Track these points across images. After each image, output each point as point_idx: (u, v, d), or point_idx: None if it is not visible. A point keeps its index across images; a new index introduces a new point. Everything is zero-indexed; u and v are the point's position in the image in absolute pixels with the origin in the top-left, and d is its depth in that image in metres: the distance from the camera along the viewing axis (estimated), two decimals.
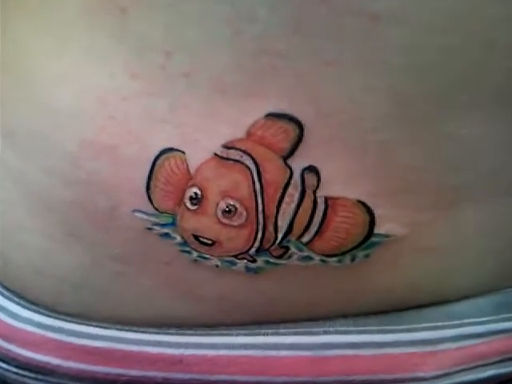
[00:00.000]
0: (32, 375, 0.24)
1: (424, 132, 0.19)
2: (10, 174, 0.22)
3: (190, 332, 0.23)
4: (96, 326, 0.23)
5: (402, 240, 0.21)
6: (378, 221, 0.20)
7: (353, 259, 0.21)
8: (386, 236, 0.20)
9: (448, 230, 0.22)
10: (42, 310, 0.24)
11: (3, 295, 0.25)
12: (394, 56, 0.18)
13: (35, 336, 0.23)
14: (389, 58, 0.18)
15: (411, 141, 0.19)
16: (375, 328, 0.23)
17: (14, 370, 0.24)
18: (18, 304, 0.24)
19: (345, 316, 0.23)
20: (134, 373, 0.23)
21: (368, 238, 0.20)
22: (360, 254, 0.21)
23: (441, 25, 0.17)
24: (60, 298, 0.24)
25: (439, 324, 0.23)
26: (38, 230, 0.22)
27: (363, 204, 0.20)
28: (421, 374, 0.23)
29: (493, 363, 0.23)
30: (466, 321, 0.24)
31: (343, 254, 0.21)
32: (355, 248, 0.20)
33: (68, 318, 0.23)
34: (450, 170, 0.20)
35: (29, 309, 0.24)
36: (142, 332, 0.23)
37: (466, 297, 0.24)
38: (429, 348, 0.23)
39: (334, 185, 0.20)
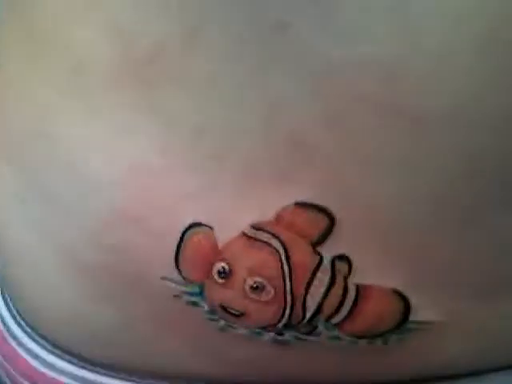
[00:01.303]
0: None
1: (470, 229, 0.18)
2: (44, 233, 0.22)
3: None
4: (128, 380, 0.24)
5: (440, 325, 0.20)
6: (413, 309, 0.19)
7: (385, 342, 0.20)
8: (422, 323, 0.19)
9: (489, 315, 0.20)
10: (74, 360, 0.24)
11: (38, 343, 0.25)
12: (439, 158, 0.16)
13: None
14: (433, 159, 0.16)
15: (455, 238, 0.18)
16: None
17: None
18: (52, 353, 0.25)
19: None
20: None
21: (402, 324, 0.19)
22: (393, 337, 0.20)
23: (494, 124, 0.15)
24: (91, 350, 0.24)
25: None
26: (69, 289, 0.23)
27: (398, 293, 0.19)
28: None
29: None
30: None
31: (375, 337, 0.20)
32: (388, 332, 0.19)
33: (101, 371, 0.24)
34: (491, 263, 0.19)
35: (63, 359, 0.25)
36: None
37: (504, 368, 0.23)
38: None
39: (367, 273, 0.19)
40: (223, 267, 0.20)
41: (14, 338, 0.26)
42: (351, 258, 0.18)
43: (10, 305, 0.27)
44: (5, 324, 0.26)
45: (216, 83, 0.17)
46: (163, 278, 0.20)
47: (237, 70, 0.17)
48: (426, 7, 0.15)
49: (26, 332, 0.26)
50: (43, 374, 0.24)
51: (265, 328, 0.20)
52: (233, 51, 0.17)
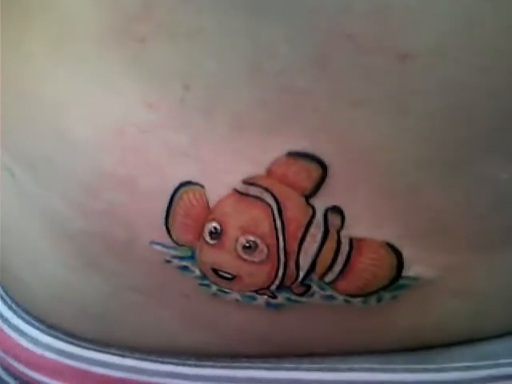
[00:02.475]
0: None
1: (459, 176, 0.18)
2: (31, 203, 0.22)
3: (210, 364, 0.23)
4: (114, 354, 0.23)
5: (433, 283, 0.20)
6: (406, 263, 0.19)
7: (379, 300, 0.20)
8: (415, 278, 0.19)
9: (483, 273, 0.20)
10: (61, 336, 0.24)
11: (24, 320, 0.25)
12: (428, 97, 0.16)
13: (55, 363, 0.23)
14: (422, 99, 0.16)
15: (445, 184, 0.18)
16: (402, 367, 0.22)
17: None
18: (38, 329, 0.24)
19: (371, 352, 0.22)
20: None
21: (395, 280, 0.19)
22: (387, 295, 0.20)
23: (483, 63, 0.16)
24: (79, 324, 0.23)
25: (471, 364, 0.22)
26: (59, 260, 0.22)
27: (391, 246, 0.19)
28: None
29: None
30: (501, 361, 0.22)
31: (368, 295, 0.20)
32: (381, 289, 0.19)
33: (87, 345, 0.23)
34: (484, 214, 0.19)
35: (49, 334, 0.24)
36: (161, 362, 0.23)
37: (501, 335, 0.23)
38: None
39: (360, 225, 0.19)
40: (215, 227, 0.19)
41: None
42: (344, 209, 0.18)
43: None
44: None
45: (205, 34, 0.17)
46: (153, 243, 0.20)
47: (227, 19, 0.17)
48: None
49: (11, 308, 0.25)
50: (27, 350, 0.24)
51: (258, 291, 0.20)
52: (222, 1, 0.17)
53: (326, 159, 0.18)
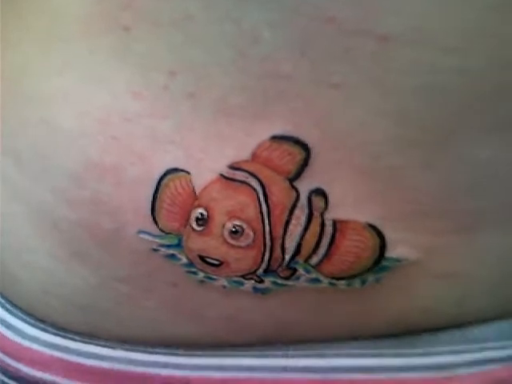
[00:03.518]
0: None
1: (437, 156, 0.18)
2: (17, 194, 0.22)
3: (199, 353, 0.23)
4: (103, 346, 0.23)
5: (416, 265, 0.20)
6: (389, 244, 0.19)
7: (363, 283, 0.20)
8: (398, 260, 0.20)
9: (465, 255, 0.21)
10: (48, 328, 0.24)
11: (10, 312, 0.25)
12: (405, 78, 0.17)
13: (42, 355, 0.23)
14: (399, 80, 0.17)
15: (424, 165, 0.18)
16: (388, 351, 0.22)
17: None
18: (25, 321, 0.24)
19: (356, 338, 0.23)
20: None
21: (379, 262, 0.20)
22: (370, 277, 0.20)
23: (456, 45, 0.16)
24: (67, 316, 0.24)
25: (457, 348, 0.23)
26: (44, 250, 0.22)
27: (373, 227, 0.19)
28: None
29: None
30: (486, 345, 0.23)
31: (353, 277, 0.20)
32: (365, 272, 0.20)
33: (75, 337, 0.23)
34: (466, 194, 0.19)
35: (35, 326, 0.24)
36: (150, 353, 0.23)
37: (486, 320, 0.23)
38: (445, 373, 0.22)
39: (343, 208, 0.19)
40: (201, 213, 0.20)
41: None
42: (327, 191, 0.19)
43: None
44: None
45: (191, 21, 0.18)
46: (139, 232, 0.20)
47: (211, 8, 0.17)
48: None
49: None
50: (14, 342, 0.24)
51: (245, 276, 0.20)
52: None
53: (309, 142, 0.18)
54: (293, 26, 0.17)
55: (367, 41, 0.16)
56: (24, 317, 0.24)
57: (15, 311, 0.25)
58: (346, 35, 0.16)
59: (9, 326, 0.24)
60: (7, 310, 0.25)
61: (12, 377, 0.24)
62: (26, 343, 0.24)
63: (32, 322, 0.24)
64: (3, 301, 0.25)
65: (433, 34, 0.16)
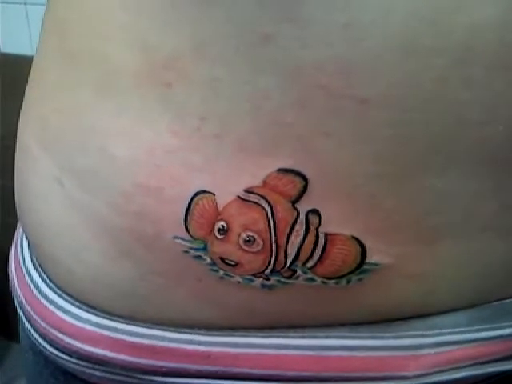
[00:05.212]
0: (90, 365, 0.30)
1: (405, 185, 0.23)
2: (78, 207, 0.27)
3: (217, 333, 0.28)
4: (142, 326, 0.28)
5: (390, 268, 0.25)
6: (368, 252, 0.25)
7: (348, 282, 0.25)
8: (376, 264, 0.25)
9: (429, 260, 0.26)
10: (98, 312, 0.29)
11: (67, 300, 0.30)
12: (380, 129, 0.22)
13: (94, 334, 0.29)
14: (376, 131, 0.22)
15: (394, 192, 0.23)
16: (367, 334, 0.28)
17: (76, 361, 0.30)
18: (79, 308, 0.30)
19: (343, 324, 0.28)
20: (172, 365, 0.28)
21: (360, 265, 0.25)
22: (354, 278, 0.25)
23: (419, 106, 0.22)
24: (113, 302, 0.29)
25: (422, 333, 0.28)
26: (97, 250, 0.27)
27: (356, 239, 0.24)
28: (404, 374, 0.28)
29: (465, 366, 0.28)
30: (444, 330, 0.28)
31: (340, 277, 0.25)
32: (350, 273, 0.25)
33: (120, 320, 0.29)
34: (427, 214, 0.24)
35: (87, 311, 0.29)
36: (179, 332, 0.28)
37: (446, 311, 0.28)
38: (412, 352, 0.28)
39: (333, 223, 0.24)
40: (222, 225, 0.25)
41: (45, 297, 0.30)
42: (321, 211, 0.24)
43: (41, 271, 0.32)
44: (36, 286, 0.31)
45: (218, 82, 0.23)
46: (175, 237, 0.26)
47: (234, 73, 0.23)
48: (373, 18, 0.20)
49: (55, 292, 0.30)
50: (71, 324, 0.29)
51: (255, 275, 0.26)
52: (231, 59, 0.22)
53: (307, 174, 0.23)
54: (295, 89, 0.22)
55: (351, 102, 0.21)
56: (78, 304, 0.30)
57: (70, 299, 0.30)
58: (334, 98, 0.22)
59: (66, 312, 0.30)
60: (64, 298, 0.30)
61: (67, 352, 0.30)
62: (80, 324, 0.29)
63: (84, 307, 0.29)
64: (60, 292, 0.30)
65: (401, 98, 0.21)
